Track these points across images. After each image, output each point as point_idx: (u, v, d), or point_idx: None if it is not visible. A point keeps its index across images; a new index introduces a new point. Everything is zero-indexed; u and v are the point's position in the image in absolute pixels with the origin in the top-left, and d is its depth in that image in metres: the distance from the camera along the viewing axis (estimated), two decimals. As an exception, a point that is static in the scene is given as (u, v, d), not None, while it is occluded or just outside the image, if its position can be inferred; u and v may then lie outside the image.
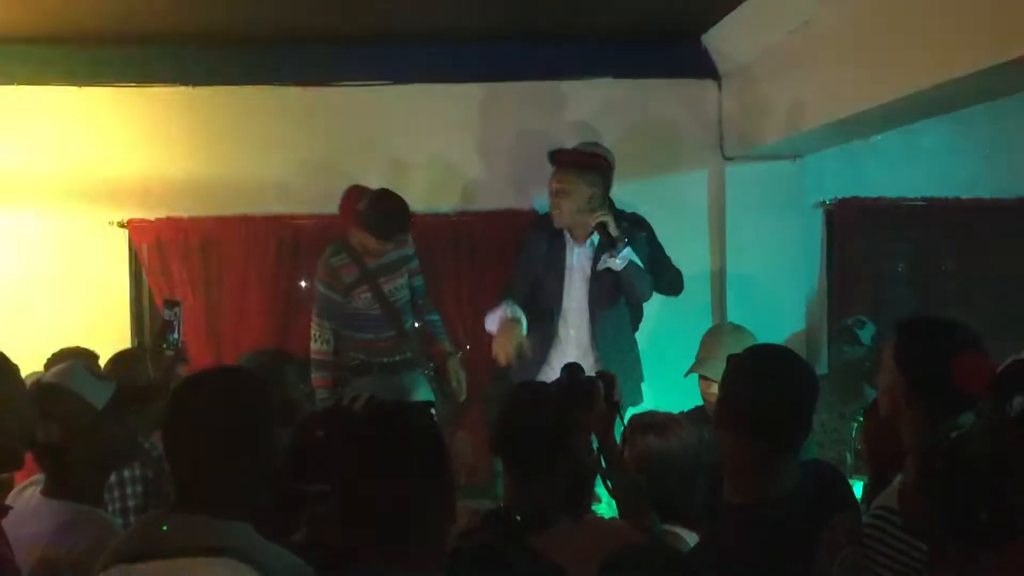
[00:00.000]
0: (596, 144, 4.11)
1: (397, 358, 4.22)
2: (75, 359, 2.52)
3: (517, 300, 3.92)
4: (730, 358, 2.10)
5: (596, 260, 3.89)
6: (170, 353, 2.88)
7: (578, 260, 3.96)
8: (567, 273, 3.96)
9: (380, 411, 1.70)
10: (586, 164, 3.91)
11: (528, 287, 4.01)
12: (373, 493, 1.52)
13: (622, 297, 4.01)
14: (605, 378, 2.46)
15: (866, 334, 4.32)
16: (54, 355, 3.46)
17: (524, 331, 3.84)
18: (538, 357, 3.97)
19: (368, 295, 4.12)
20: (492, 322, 3.93)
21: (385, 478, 1.51)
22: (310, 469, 1.85)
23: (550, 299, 3.96)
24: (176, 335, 2.86)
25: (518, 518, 2.05)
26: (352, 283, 4.11)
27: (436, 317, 4.38)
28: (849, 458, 3.25)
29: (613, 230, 3.80)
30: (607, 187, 3.96)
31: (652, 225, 4.36)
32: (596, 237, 3.92)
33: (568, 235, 3.97)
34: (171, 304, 2.95)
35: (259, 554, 1.67)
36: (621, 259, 3.80)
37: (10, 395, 2.00)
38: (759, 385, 1.99)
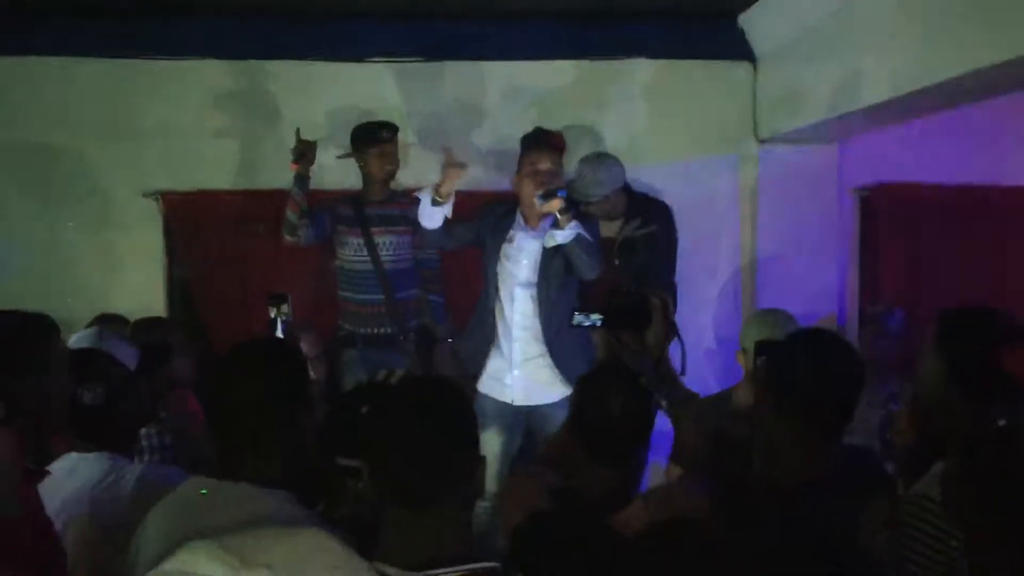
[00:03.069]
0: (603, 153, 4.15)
1: (380, 331, 4.16)
2: (101, 324, 2.57)
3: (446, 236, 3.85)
4: (777, 342, 2.10)
5: (544, 249, 3.77)
6: None
7: (528, 242, 3.83)
8: (513, 254, 3.84)
9: (418, 386, 1.71)
10: (560, 146, 3.88)
11: (463, 242, 3.91)
12: (412, 466, 1.53)
13: (571, 279, 3.84)
14: (660, 297, 2.46)
15: (894, 323, 4.29)
16: (92, 321, 3.51)
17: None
18: (486, 338, 3.90)
19: (358, 240, 4.11)
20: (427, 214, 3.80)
21: (425, 451, 1.52)
22: (347, 444, 1.87)
23: (494, 280, 3.85)
24: (279, 332, 2.79)
25: (594, 499, 2.08)
26: (344, 217, 4.11)
27: (439, 299, 4.31)
28: (877, 446, 3.23)
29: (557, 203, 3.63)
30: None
31: (685, 206, 4.36)
32: (551, 222, 3.75)
33: (520, 217, 3.86)
34: (275, 298, 2.85)
35: (302, 524, 1.68)
36: (570, 229, 3.63)
37: (57, 357, 2.04)
38: (806, 368, 1.99)
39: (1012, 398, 1.97)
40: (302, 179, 4.04)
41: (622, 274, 4.10)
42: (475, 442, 1.61)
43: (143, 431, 2.84)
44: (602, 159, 4.22)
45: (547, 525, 1.84)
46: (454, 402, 1.61)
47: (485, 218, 3.92)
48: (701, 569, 1.44)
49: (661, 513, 1.93)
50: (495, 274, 3.85)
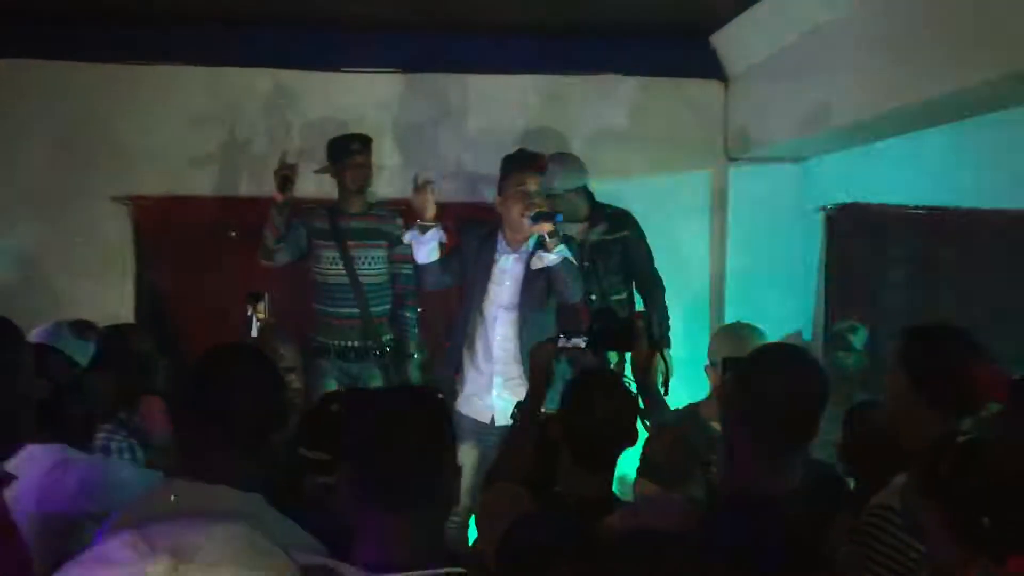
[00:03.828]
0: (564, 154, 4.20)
1: (354, 343, 4.16)
2: (58, 322, 2.57)
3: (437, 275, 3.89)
4: (743, 357, 2.13)
5: (529, 263, 3.80)
6: None
7: (511, 264, 3.86)
8: (497, 276, 3.87)
9: (400, 392, 1.74)
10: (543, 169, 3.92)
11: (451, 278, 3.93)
12: (386, 465, 1.55)
13: (550, 300, 3.89)
14: (644, 317, 2.50)
15: (859, 339, 4.36)
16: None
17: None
18: (466, 356, 3.92)
19: (334, 253, 4.11)
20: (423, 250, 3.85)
21: (399, 451, 1.54)
22: (321, 441, 1.88)
23: (477, 301, 3.88)
24: (254, 332, 2.76)
25: (580, 505, 2.11)
26: (319, 230, 4.11)
27: (411, 314, 4.27)
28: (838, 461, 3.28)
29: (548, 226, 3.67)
30: None
31: (654, 222, 4.42)
32: (533, 241, 3.80)
33: (501, 239, 3.88)
34: (253, 297, 2.83)
35: (272, 526, 1.69)
36: (557, 253, 3.68)
37: (22, 362, 2.03)
38: (771, 382, 2.02)
39: (974, 413, 2.03)
40: (283, 205, 4.02)
41: (591, 278, 4.15)
42: (453, 450, 1.63)
43: (105, 431, 2.82)
44: (566, 155, 4.30)
45: (534, 530, 1.87)
46: (435, 409, 1.64)
47: (467, 241, 3.94)
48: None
49: (655, 519, 1.95)
50: (480, 296, 3.86)
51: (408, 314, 4.28)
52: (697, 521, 2.01)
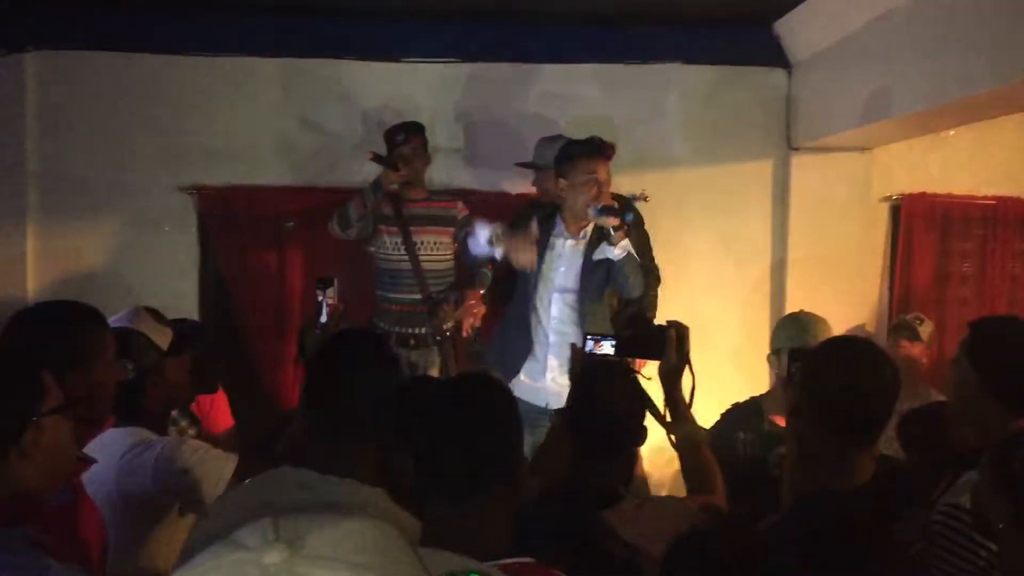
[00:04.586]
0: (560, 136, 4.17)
1: (415, 330, 4.17)
2: (138, 307, 2.64)
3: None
4: (810, 349, 2.11)
5: (588, 251, 3.80)
6: (318, 335, 2.87)
7: (568, 249, 3.86)
8: (553, 260, 3.87)
9: (471, 382, 1.75)
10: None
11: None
12: (455, 456, 1.56)
13: (606, 291, 3.89)
14: (677, 327, 2.45)
15: (924, 330, 4.28)
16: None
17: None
18: (522, 345, 3.92)
19: (397, 237, 4.14)
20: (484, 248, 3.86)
21: (474, 447, 1.56)
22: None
23: (532, 284, 3.88)
24: (324, 318, 2.77)
25: (586, 495, 2.09)
26: (383, 215, 4.14)
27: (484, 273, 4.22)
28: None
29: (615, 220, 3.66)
30: None
31: (715, 211, 4.37)
32: (590, 230, 3.82)
33: (560, 223, 3.89)
34: (322, 282, 2.84)
35: (403, 523, 1.66)
36: (621, 248, 3.69)
37: (105, 346, 2.10)
38: (843, 375, 2.00)
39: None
40: (376, 185, 4.07)
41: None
42: (520, 442, 1.64)
43: (176, 413, 2.92)
44: (556, 136, 4.25)
45: (540, 518, 1.87)
46: (503, 397, 1.65)
47: (526, 222, 3.94)
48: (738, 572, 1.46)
49: (656, 519, 1.92)
50: (536, 280, 3.87)
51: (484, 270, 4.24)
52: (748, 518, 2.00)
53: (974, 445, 2.05)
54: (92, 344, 2.09)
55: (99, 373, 2.06)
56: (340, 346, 1.95)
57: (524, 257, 3.79)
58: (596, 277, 3.81)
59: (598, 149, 3.81)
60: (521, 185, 4.53)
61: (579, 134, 4.39)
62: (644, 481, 2.85)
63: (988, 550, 1.85)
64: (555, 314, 3.88)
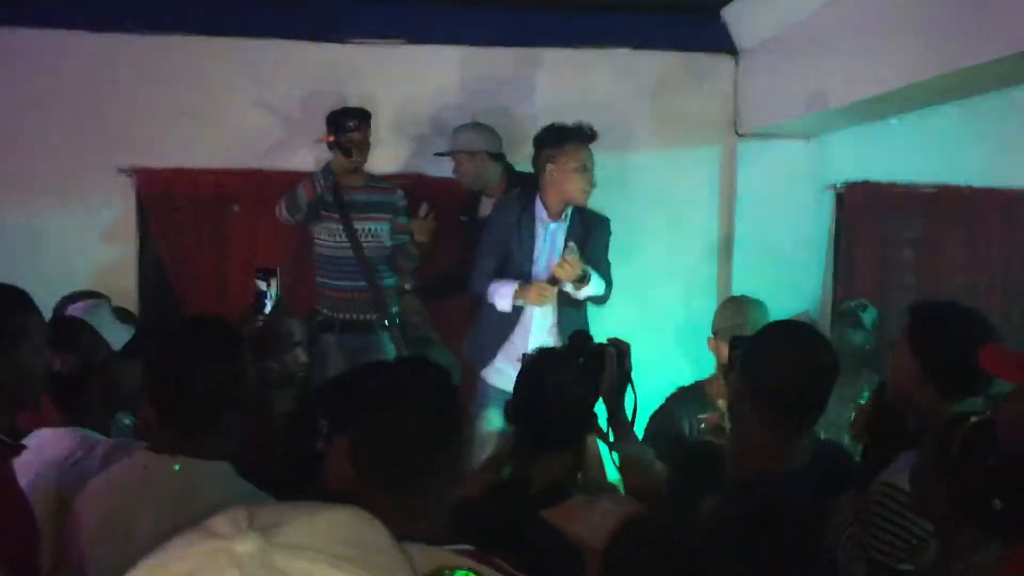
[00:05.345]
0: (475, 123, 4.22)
1: (360, 317, 4.15)
2: (101, 299, 2.54)
3: (486, 278, 3.93)
4: (748, 337, 2.11)
5: (567, 240, 3.85)
6: (259, 325, 2.80)
7: (550, 238, 3.92)
8: (537, 250, 3.92)
9: (406, 366, 1.71)
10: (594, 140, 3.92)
11: (496, 265, 3.97)
12: (385, 444, 1.53)
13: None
14: (619, 346, 2.43)
15: (868, 318, 4.33)
16: (64, 297, 3.46)
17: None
18: (498, 331, 3.96)
19: (337, 224, 4.10)
20: (504, 299, 3.88)
21: (400, 427, 1.52)
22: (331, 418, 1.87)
23: (518, 274, 3.91)
24: (266, 307, 2.71)
25: (532, 492, 2.05)
26: (324, 201, 4.08)
27: (409, 286, 4.30)
28: (847, 439, 3.27)
29: (577, 276, 3.77)
30: None
31: (663, 197, 4.39)
32: (570, 211, 3.90)
33: (540, 211, 3.93)
34: (264, 273, 2.77)
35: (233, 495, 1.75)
36: (583, 292, 3.82)
37: (32, 331, 2.02)
38: (782, 360, 2.01)
39: (981, 392, 2.01)
40: (331, 172, 4.03)
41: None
42: (459, 428, 1.60)
43: (122, 417, 2.77)
44: (476, 123, 4.34)
45: (476, 514, 1.85)
46: (438, 382, 1.61)
47: (506, 215, 3.98)
48: (671, 562, 1.45)
49: (604, 518, 1.90)
50: (518, 265, 3.91)
51: (407, 286, 4.29)
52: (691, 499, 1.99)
53: (914, 429, 2.08)
54: (17, 327, 2.01)
55: (24, 358, 1.99)
56: (181, 336, 1.97)
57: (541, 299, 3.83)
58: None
59: (588, 137, 3.87)
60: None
61: (529, 119, 4.39)
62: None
63: (923, 529, 1.87)
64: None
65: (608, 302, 4.02)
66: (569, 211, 3.92)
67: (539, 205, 3.93)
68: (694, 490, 2.31)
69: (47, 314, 2.44)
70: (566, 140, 3.87)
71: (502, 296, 3.88)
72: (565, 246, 3.81)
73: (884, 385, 2.33)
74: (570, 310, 3.89)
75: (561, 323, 3.87)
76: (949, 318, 2.20)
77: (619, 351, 2.42)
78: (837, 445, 2.35)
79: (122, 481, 1.90)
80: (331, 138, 4.01)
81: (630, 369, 2.44)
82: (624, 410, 2.42)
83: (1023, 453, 1.59)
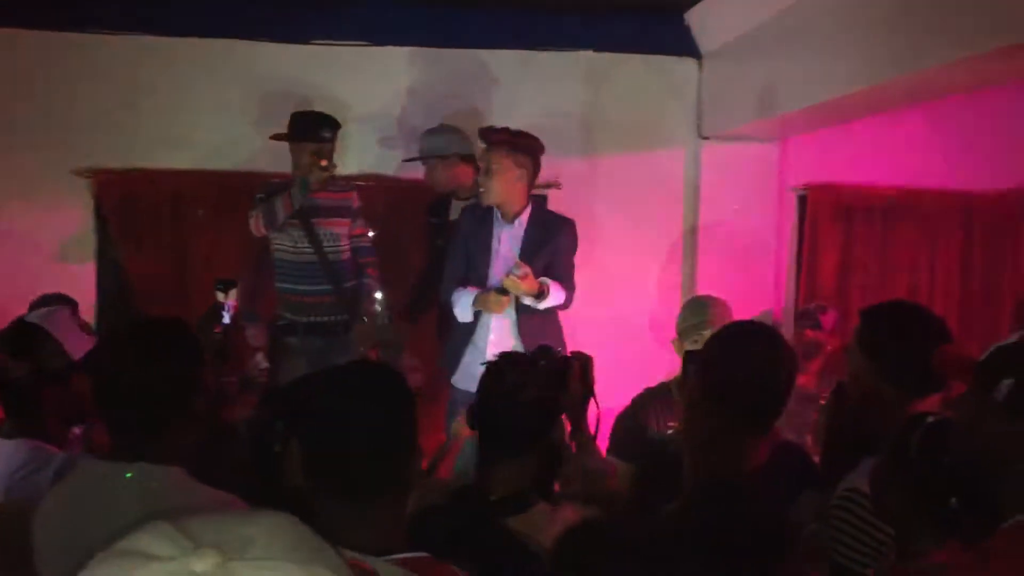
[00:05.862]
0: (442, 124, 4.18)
1: (324, 319, 4.13)
2: (64, 306, 2.46)
3: (454, 283, 3.93)
4: (708, 339, 2.11)
5: (524, 241, 3.84)
6: (218, 337, 2.74)
7: (504, 241, 3.90)
8: (493, 253, 3.91)
9: (349, 366, 1.67)
10: (517, 144, 3.87)
11: (464, 270, 3.97)
12: (338, 449, 1.50)
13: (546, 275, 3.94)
14: (580, 359, 2.41)
15: (827, 320, 4.36)
16: (36, 300, 3.39)
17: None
18: (463, 335, 3.95)
19: (299, 230, 4.06)
20: (463, 311, 3.89)
21: (351, 432, 1.49)
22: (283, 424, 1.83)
23: (477, 279, 3.91)
24: (224, 318, 2.66)
25: (492, 499, 2.02)
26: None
27: (372, 280, 4.23)
28: (809, 440, 3.28)
29: (528, 293, 3.74)
30: (536, 171, 3.92)
31: (626, 200, 4.40)
32: (526, 217, 3.89)
33: (497, 215, 3.93)
34: (224, 284, 2.72)
35: (198, 497, 1.72)
36: (543, 304, 3.79)
37: None
38: (739, 360, 2.01)
39: (934, 393, 2.02)
40: (308, 184, 3.98)
41: None
42: (414, 432, 1.57)
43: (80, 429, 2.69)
44: (442, 126, 4.34)
45: (434, 522, 1.82)
46: (392, 386, 1.57)
47: (467, 221, 3.98)
48: (630, 567, 1.43)
49: (566, 522, 1.89)
50: (480, 271, 3.90)
51: (370, 281, 4.24)
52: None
53: (876, 430, 2.08)
54: None
55: None
56: (128, 337, 1.91)
57: (498, 307, 3.81)
58: (535, 266, 3.80)
59: (485, 136, 3.88)
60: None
61: (491, 121, 4.36)
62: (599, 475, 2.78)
63: (885, 533, 1.87)
64: None
65: (572, 305, 4.02)
66: (527, 214, 3.89)
67: (496, 212, 3.93)
68: (661, 493, 2.30)
69: (4, 322, 2.38)
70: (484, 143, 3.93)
71: (461, 307, 3.90)
72: (523, 247, 3.79)
73: (841, 386, 2.33)
74: (529, 312, 3.86)
75: (521, 325, 3.85)
76: (899, 319, 2.19)
77: (581, 364, 2.40)
78: (796, 445, 2.34)
79: (76, 493, 1.83)
80: (324, 162, 3.95)
81: (592, 382, 2.42)
82: (587, 423, 2.41)
83: (971, 453, 1.59)
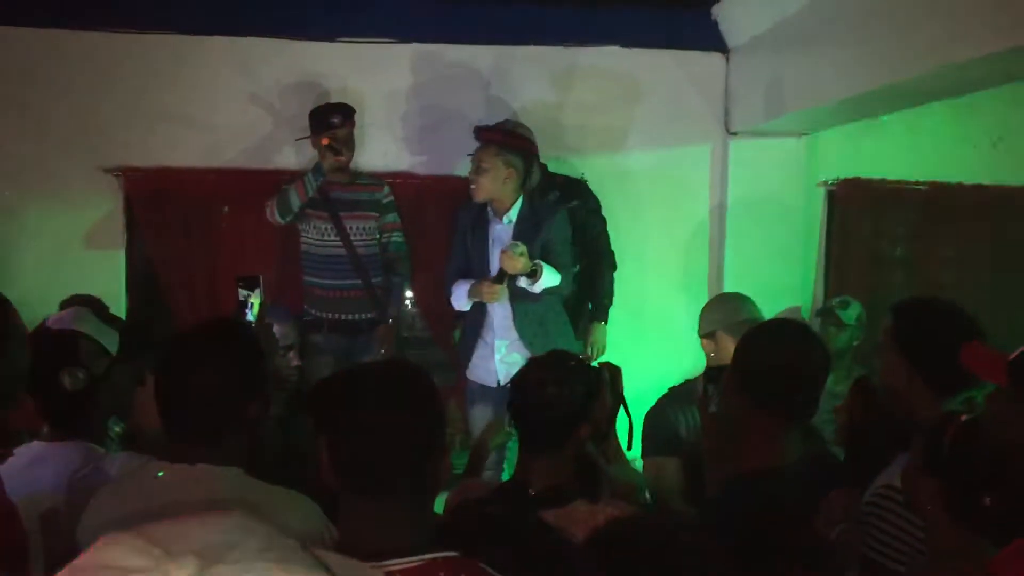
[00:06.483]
0: (519, 124, 4.14)
1: (350, 316, 4.14)
2: (80, 307, 2.46)
3: (455, 277, 4.02)
4: (739, 330, 2.11)
5: (515, 237, 3.88)
6: None
7: (498, 235, 3.97)
8: (490, 248, 3.98)
9: (388, 372, 1.67)
10: (506, 143, 3.92)
11: (464, 266, 4.05)
12: (367, 449, 1.50)
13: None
14: (611, 369, 2.42)
15: (850, 315, 4.32)
16: (64, 301, 3.41)
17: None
18: (473, 331, 4.05)
19: (326, 223, 4.07)
20: (459, 299, 3.98)
21: (390, 440, 1.49)
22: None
23: (478, 273, 3.99)
24: (251, 317, 2.66)
25: (532, 493, 2.04)
26: (311, 199, 4.07)
27: (402, 279, 4.30)
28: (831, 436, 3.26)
29: (523, 271, 3.80)
30: (527, 169, 3.98)
31: (654, 196, 4.39)
32: (515, 213, 3.95)
33: (490, 210, 3.99)
34: (247, 281, 2.72)
35: (261, 496, 1.71)
36: (538, 286, 3.84)
37: (11, 334, 1.98)
38: (775, 356, 2.01)
39: (968, 389, 1.99)
40: (322, 171, 4.02)
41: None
42: (442, 431, 1.57)
43: (112, 424, 2.65)
44: (514, 122, 4.27)
45: (474, 515, 1.83)
46: (421, 386, 1.57)
47: (462, 219, 4.07)
48: (659, 560, 1.42)
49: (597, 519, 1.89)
50: (480, 268, 3.98)
51: (396, 279, 4.29)
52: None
53: (908, 428, 2.06)
54: None
55: (5, 363, 1.94)
56: (189, 338, 1.90)
57: (491, 296, 3.91)
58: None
59: (476, 134, 3.96)
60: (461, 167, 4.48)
61: (516, 116, 4.36)
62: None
63: (921, 531, 1.85)
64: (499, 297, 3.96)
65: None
66: (517, 208, 3.96)
67: (490, 207, 4.00)
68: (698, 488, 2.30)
69: (35, 318, 2.39)
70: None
71: (458, 297, 4.01)
72: (513, 242, 3.84)
73: (860, 382, 2.32)
74: (526, 304, 3.94)
75: (517, 318, 3.95)
76: (931, 315, 2.18)
77: (611, 374, 2.41)
78: (821, 442, 2.33)
79: (133, 492, 1.81)
80: (325, 141, 3.98)
81: (622, 391, 2.42)
82: (617, 434, 2.41)
83: (1005, 452, 1.57)
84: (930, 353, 2.07)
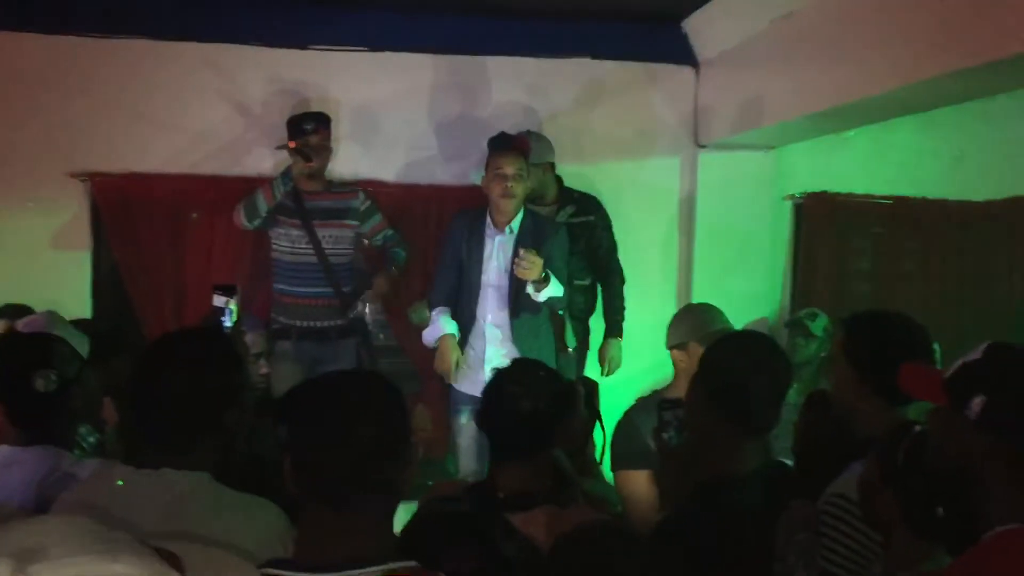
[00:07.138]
0: (541, 136, 4.20)
1: (322, 323, 4.13)
2: (52, 311, 2.45)
3: (444, 293, 4.00)
4: (711, 340, 2.13)
5: (516, 250, 3.86)
6: None
7: (497, 248, 3.96)
8: (485, 261, 3.97)
9: (353, 382, 1.66)
10: (528, 150, 3.97)
11: (455, 278, 4.03)
12: (329, 461, 1.50)
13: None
14: (587, 384, 2.43)
15: (817, 326, 4.37)
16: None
17: (456, 345, 3.94)
18: (462, 339, 4.01)
19: (298, 231, 4.07)
20: (430, 336, 3.98)
21: (353, 452, 1.49)
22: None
23: (471, 286, 3.98)
24: (227, 324, 2.64)
25: (501, 495, 2.05)
26: (283, 206, 4.06)
27: (400, 251, 4.30)
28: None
29: (537, 278, 3.79)
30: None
31: (623, 207, 4.43)
32: (515, 225, 3.94)
33: (488, 222, 3.97)
34: (224, 290, 2.70)
35: (222, 501, 1.72)
36: (543, 294, 3.85)
37: None
38: (737, 366, 2.04)
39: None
40: (287, 177, 4.03)
41: None
42: (406, 442, 1.56)
43: (86, 434, 2.63)
44: (534, 134, 4.34)
45: (441, 512, 1.83)
46: (386, 402, 1.56)
47: (458, 228, 4.03)
48: (620, 566, 1.44)
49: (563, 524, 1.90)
50: (473, 277, 3.97)
51: (399, 249, 4.31)
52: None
53: (860, 438, 2.08)
54: None
55: None
56: (164, 346, 1.90)
57: (444, 367, 3.93)
58: (523, 280, 3.85)
59: (504, 143, 3.91)
60: (443, 176, 4.53)
61: (489, 127, 4.37)
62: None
63: (874, 540, 1.88)
64: (491, 308, 3.98)
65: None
66: (517, 221, 3.94)
67: (488, 217, 3.98)
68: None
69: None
70: (490, 147, 3.96)
71: (431, 333, 4.00)
72: (515, 254, 3.82)
73: (813, 395, 2.36)
74: (525, 317, 3.94)
75: (515, 329, 3.94)
76: (881, 328, 2.21)
77: (587, 389, 2.42)
78: (771, 452, 2.37)
79: (94, 498, 1.79)
80: (293, 144, 3.98)
81: (598, 406, 2.44)
82: (593, 448, 2.43)
83: (948, 468, 1.60)
84: (879, 365, 2.08)
